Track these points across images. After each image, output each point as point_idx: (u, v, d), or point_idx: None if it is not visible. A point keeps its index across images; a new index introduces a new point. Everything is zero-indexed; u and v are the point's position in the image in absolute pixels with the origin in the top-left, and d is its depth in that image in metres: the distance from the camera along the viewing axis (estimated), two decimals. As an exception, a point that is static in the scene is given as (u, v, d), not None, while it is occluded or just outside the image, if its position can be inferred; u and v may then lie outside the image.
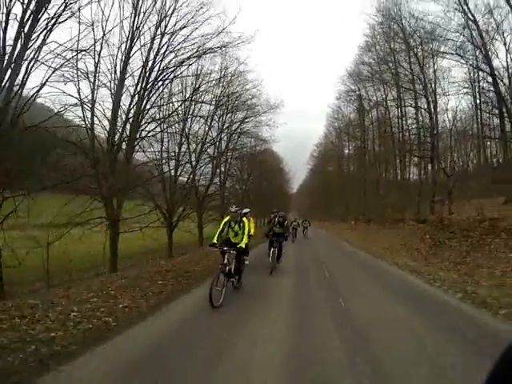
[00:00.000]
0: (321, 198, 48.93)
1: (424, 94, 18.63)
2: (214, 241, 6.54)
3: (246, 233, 6.83)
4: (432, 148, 17.22)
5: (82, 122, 10.96)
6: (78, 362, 3.37)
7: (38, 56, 9.05)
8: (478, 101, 18.95)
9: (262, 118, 20.31)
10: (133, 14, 11.86)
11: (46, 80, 9.30)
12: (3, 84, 8.54)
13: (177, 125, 14.74)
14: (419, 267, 10.00)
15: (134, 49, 12.14)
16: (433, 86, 18.98)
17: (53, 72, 9.44)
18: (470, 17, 17.05)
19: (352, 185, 32.36)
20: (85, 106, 10.95)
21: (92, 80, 11.02)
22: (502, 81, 15.72)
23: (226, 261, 6.28)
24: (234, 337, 4.24)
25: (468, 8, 17.02)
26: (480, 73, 17.35)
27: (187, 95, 14.94)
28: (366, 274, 9.95)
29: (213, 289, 5.53)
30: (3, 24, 8.57)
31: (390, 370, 3.30)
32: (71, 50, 10.12)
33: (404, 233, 16.82)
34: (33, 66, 9.08)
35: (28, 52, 9.08)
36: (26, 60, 9.01)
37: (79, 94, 10.65)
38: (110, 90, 11.54)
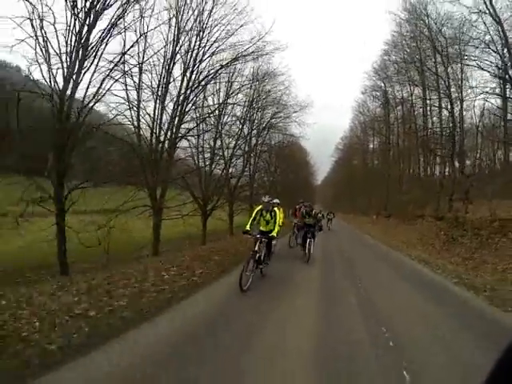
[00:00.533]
0: (344, 191, 49.60)
1: (448, 94, 19.18)
2: (248, 228, 6.99)
3: (277, 222, 7.30)
4: (453, 147, 17.91)
5: (129, 122, 12.52)
6: (187, 301, 5.46)
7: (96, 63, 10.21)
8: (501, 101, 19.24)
9: (292, 115, 21.35)
10: (175, 27, 13.22)
11: (100, 85, 10.58)
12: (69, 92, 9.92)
13: (212, 122, 16.05)
14: (430, 259, 11.17)
15: (177, 56, 13.53)
16: (459, 83, 19.49)
17: (106, 76, 10.60)
18: (496, 18, 17.41)
19: (375, 179, 32.89)
20: (133, 108, 12.47)
21: (137, 83, 12.48)
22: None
23: (257, 248, 6.68)
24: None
25: (494, 9, 17.35)
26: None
27: (221, 95, 16.30)
28: (383, 263, 11.23)
29: (243, 273, 6.05)
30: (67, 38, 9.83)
31: (390, 315, 5.11)
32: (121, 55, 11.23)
33: (422, 228, 17.78)
34: (93, 74, 10.36)
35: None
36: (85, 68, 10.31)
37: (128, 97, 12.13)
38: (156, 94, 13.01)
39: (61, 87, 9.07)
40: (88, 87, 10.14)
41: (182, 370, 3.08)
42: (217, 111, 15.83)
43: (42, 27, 8.56)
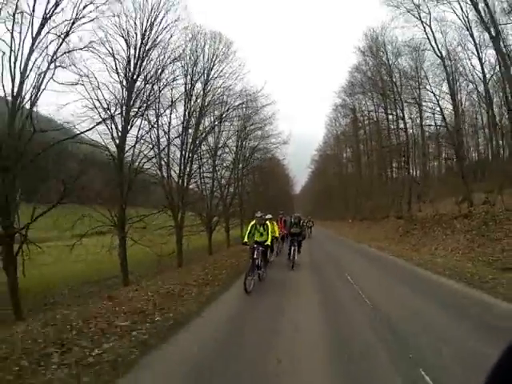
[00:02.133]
0: (322, 199, 54.05)
1: (402, 116, 23.70)
2: (246, 240, 8.41)
3: (269, 233, 8.50)
4: (407, 158, 22.46)
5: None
6: (229, 290, 7.77)
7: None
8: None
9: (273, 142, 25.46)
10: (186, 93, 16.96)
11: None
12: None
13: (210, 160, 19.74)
14: (387, 248, 15.46)
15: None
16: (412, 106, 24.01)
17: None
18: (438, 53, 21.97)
19: (350, 187, 37.29)
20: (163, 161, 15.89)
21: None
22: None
23: (255, 256, 7.89)
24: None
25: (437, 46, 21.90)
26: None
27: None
28: (355, 253, 15.38)
29: (247, 277, 7.29)
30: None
31: (357, 277, 8.80)
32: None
33: (387, 227, 22.14)
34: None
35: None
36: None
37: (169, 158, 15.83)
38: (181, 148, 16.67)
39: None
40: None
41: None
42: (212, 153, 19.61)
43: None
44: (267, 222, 9.02)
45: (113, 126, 12.03)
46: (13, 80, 8.58)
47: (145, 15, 13.06)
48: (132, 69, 12.71)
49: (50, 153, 9.94)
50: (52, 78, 9.39)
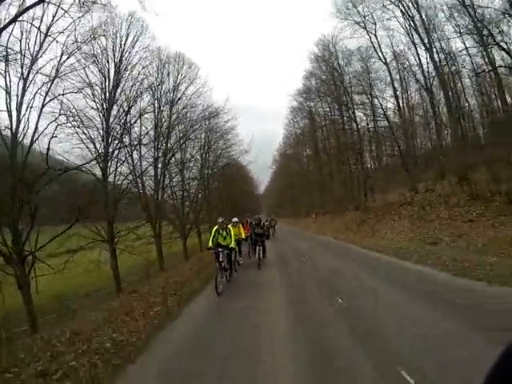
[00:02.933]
0: (286, 198, 56.24)
1: (354, 118, 26.12)
2: (210, 245, 8.90)
3: (232, 236, 9.13)
4: (359, 155, 24.88)
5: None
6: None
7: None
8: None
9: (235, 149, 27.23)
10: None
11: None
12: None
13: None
14: (346, 237, 17.56)
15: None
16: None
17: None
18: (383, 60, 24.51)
19: (312, 183, 39.48)
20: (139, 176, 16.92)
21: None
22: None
23: (221, 259, 8.45)
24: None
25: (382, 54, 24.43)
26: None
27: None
28: (316, 244, 17.38)
29: (217, 280, 7.80)
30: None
31: (314, 261, 10.75)
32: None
33: (347, 219, 24.43)
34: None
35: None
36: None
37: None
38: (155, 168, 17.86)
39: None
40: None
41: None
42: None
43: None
44: (229, 226, 9.83)
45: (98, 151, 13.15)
46: (10, 117, 9.48)
47: (116, 49, 14.36)
48: (107, 99, 13.89)
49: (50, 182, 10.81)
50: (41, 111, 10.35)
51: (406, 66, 23.08)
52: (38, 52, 10.07)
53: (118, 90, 14.27)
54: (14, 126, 9.56)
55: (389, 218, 17.37)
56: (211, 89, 20.99)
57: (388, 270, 8.85)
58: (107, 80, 13.88)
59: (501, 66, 14.75)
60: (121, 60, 14.38)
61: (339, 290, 6.95)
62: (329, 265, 10.44)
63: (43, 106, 10.26)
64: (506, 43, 14.10)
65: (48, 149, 10.12)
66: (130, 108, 14.92)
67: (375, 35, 22.62)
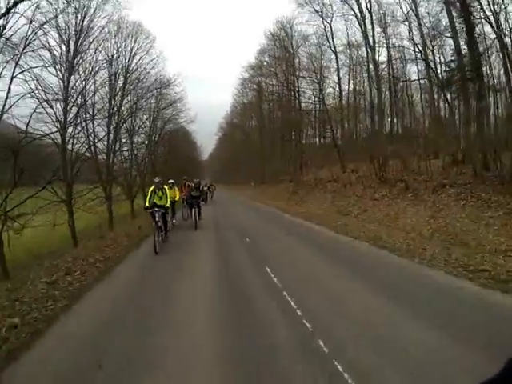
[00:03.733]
0: (229, 165, 58.36)
1: (298, 98, 28.44)
2: (147, 204, 9.19)
3: (167, 197, 9.48)
4: (298, 132, 27.53)
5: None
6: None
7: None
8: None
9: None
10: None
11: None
12: None
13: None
14: (277, 204, 20.14)
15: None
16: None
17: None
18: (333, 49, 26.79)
19: (254, 154, 41.88)
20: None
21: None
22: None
23: (157, 219, 8.75)
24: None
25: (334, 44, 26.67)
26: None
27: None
28: (249, 209, 19.72)
29: (155, 240, 8.27)
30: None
31: (245, 224, 12.96)
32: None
33: (280, 188, 27.19)
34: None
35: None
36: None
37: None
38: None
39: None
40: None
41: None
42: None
43: None
44: (165, 186, 10.14)
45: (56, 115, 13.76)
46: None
47: (78, 16, 14.63)
48: (68, 64, 14.32)
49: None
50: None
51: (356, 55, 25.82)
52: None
53: (78, 59, 14.85)
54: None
55: (316, 192, 20.19)
56: (165, 60, 21.59)
57: (293, 227, 11.81)
58: (67, 47, 14.30)
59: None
60: (81, 29, 14.80)
61: (250, 235, 10.03)
62: (250, 222, 13.30)
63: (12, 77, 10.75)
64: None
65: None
66: (87, 79, 15.57)
67: (330, 25, 24.71)
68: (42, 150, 13.77)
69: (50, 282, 5.94)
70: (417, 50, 16.62)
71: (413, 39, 16.98)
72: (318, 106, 27.61)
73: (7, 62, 10.42)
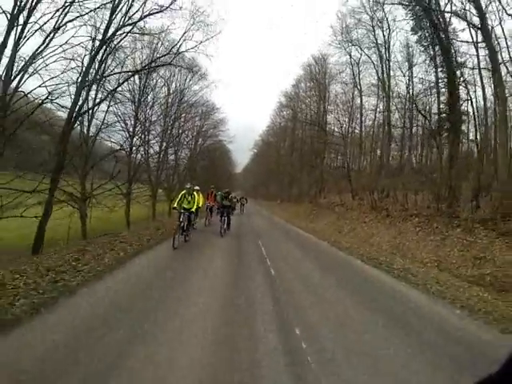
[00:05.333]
0: (260, 181, 62.69)
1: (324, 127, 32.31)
2: (175, 205, 10.53)
3: (196, 202, 10.78)
4: (321, 160, 31.27)
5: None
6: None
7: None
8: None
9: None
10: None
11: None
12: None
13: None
14: (295, 221, 23.92)
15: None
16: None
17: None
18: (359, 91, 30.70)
19: (284, 173, 45.88)
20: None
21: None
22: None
23: (181, 219, 10.05)
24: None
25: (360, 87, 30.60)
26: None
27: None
28: (270, 224, 23.61)
29: (174, 237, 9.53)
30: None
31: (262, 232, 16.94)
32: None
33: (301, 208, 30.93)
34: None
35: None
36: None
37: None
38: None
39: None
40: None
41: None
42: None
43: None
44: (194, 192, 11.18)
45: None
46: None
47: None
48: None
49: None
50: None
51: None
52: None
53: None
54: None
55: (327, 213, 23.85)
56: (213, 87, 25.91)
57: (294, 235, 15.68)
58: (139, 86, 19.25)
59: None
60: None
61: (264, 243, 12.09)
62: (267, 230, 16.97)
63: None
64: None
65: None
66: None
67: (358, 66, 28.66)
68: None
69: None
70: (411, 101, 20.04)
71: (409, 92, 20.50)
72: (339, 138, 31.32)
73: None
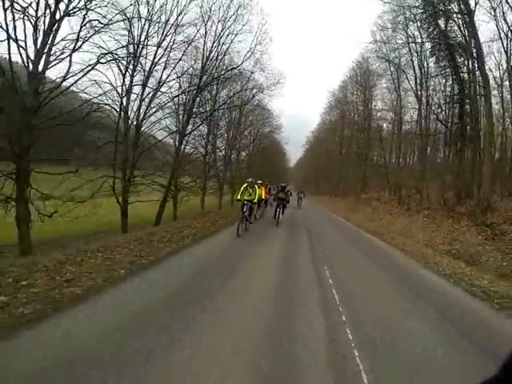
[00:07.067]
0: (311, 176, 67.59)
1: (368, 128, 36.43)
2: (239, 197, 11.98)
3: (257, 194, 12.23)
4: (365, 159, 35.53)
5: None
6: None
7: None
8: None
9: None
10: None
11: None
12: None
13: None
14: (337, 212, 28.76)
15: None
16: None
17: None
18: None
19: (332, 169, 50.27)
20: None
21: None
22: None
23: (245, 209, 11.57)
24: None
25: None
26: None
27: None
28: (320, 215, 28.61)
29: (239, 225, 11.08)
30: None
31: (311, 221, 22.24)
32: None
33: (346, 202, 35.57)
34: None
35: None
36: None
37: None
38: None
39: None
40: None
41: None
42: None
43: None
44: (255, 185, 12.48)
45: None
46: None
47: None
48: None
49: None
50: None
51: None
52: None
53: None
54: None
55: (365, 206, 28.45)
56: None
57: (334, 221, 21.20)
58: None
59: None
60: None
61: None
62: (316, 220, 21.65)
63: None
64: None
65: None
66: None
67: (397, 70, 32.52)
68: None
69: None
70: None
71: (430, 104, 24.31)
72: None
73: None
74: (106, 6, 11.64)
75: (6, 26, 9.20)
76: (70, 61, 10.76)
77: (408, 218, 19.38)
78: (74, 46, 10.85)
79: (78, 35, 10.94)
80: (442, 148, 24.48)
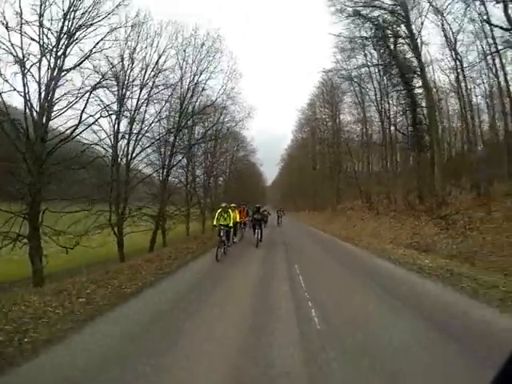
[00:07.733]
0: (288, 193, 70.03)
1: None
2: (214, 223, 12.28)
3: (231, 218, 12.70)
4: (337, 172, 38.03)
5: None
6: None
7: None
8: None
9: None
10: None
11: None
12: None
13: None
14: (318, 226, 30.80)
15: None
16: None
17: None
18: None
19: (307, 185, 52.58)
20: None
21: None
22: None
23: (221, 234, 11.74)
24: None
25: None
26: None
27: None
28: (298, 229, 30.64)
29: (218, 250, 11.23)
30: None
31: (289, 235, 24.22)
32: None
33: (324, 215, 37.78)
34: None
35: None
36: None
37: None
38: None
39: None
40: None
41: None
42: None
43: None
44: (229, 209, 12.93)
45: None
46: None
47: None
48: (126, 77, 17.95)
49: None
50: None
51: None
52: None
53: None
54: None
55: (340, 216, 30.68)
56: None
57: (311, 232, 23.42)
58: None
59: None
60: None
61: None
62: (295, 235, 23.20)
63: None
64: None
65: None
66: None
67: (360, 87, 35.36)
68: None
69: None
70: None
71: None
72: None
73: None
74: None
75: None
76: (81, 116, 13.21)
77: (377, 221, 21.59)
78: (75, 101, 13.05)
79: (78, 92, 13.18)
80: (405, 154, 27.05)
